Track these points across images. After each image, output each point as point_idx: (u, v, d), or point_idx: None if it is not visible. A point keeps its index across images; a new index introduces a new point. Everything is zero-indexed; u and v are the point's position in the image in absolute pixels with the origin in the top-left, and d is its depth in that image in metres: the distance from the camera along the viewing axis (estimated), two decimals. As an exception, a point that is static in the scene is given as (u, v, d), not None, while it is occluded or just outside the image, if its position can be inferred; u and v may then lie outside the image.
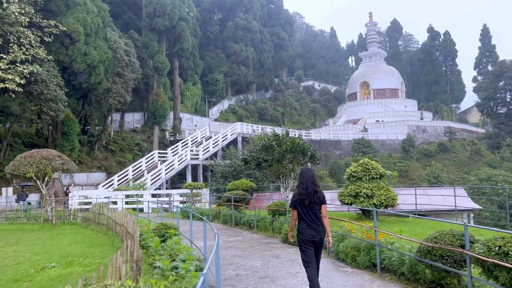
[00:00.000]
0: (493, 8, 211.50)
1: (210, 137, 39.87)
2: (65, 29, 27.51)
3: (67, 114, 30.19)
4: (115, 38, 34.96)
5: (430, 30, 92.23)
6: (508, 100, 62.11)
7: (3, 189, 24.06)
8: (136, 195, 24.17)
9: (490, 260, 4.16)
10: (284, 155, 14.71)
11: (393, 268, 6.23)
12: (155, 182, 30.30)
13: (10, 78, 23.82)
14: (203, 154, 35.32)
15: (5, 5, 24.59)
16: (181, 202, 23.33)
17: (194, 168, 34.95)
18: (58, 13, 28.86)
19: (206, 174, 35.25)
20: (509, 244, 4.15)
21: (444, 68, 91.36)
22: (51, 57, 27.16)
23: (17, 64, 24.53)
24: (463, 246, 4.89)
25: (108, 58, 31.13)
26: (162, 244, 7.36)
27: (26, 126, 33.24)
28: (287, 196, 14.79)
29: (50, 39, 27.28)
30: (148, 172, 31.61)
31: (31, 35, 26.06)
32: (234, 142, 39.13)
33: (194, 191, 21.77)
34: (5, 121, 31.29)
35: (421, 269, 5.61)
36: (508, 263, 3.99)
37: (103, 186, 30.02)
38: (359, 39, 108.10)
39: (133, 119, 45.75)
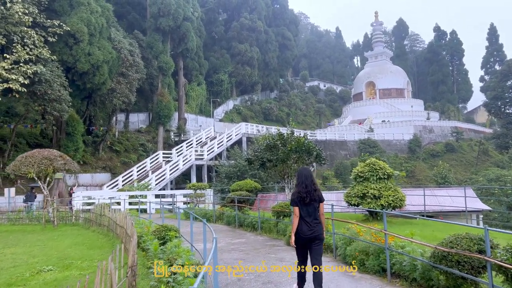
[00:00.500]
0: (500, 7, 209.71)
1: (215, 138, 39.66)
2: (69, 29, 27.39)
3: (71, 114, 30.08)
4: (119, 38, 34.83)
5: (437, 29, 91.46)
6: (516, 99, 61.32)
7: (5, 190, 23.91)
8: (139, 195, 23.96)
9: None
10: (289, 155, 14.37)
11: (404, 273, 5.89)
12: (159, 182, 30.12)
13: (14, 78, 23.70)
14: (207, 155, 35.10)
15: (8, 4, 24.48)
16: (185, 203, 23.07)
17: (199, 168, 34.73)
18: (62, 13, 28.75)
19: (211, 175, 35.02)
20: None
21: (450, 68, 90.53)
22: (55, 57, 27.04)
23: (21, 64, 24.41)
24: (481, 251, 4.56)
25: (112, 58, 30.99)
26: (162, 247, 7.07)
27: (31, 127, 33.18)
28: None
29: (54, 39, 27.16)
30: (152, 173, 31.45)
31: (35, 35, 25.94)
32: (239, 142, 38.90)
33: (198, 191, 21.50)
34: (10, 122, 31.24)
35: (435, 275, 5.27)
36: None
37: (107, 186, 29.89)
38: (365, 39, 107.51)
39: (138, 120, 45.63)
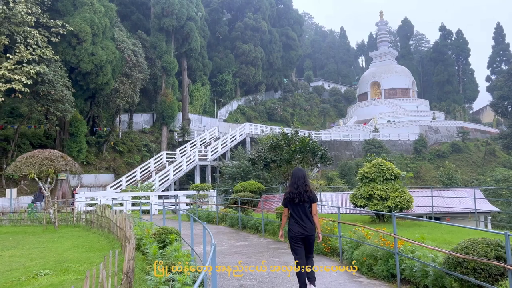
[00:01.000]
0: (506, 6, 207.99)
1: (219, 138, 39.45)
2: (72, 29, 27.26)
3: (75, 114, 29.95)
4: (123, 38, 34.70)
5: (442, 28, 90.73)
6: (524, 99, 60.58)
7: (7, 190, 23.79)
8: (143, 196, 23.78)
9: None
10: (293, 155, 14.09)
11: (415, 279, 5.60)
12: (163, 183, 29.94)
13: (17, 78, 23.59)
14: (211, 155, 34.89)
15: (11, 4, 24.37)
16: (188, 204, 22.83)
17: (203, 169, 34.53)
18: (65, 13, 28.63)
19: (215, 175, 34.79)
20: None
21: (456, 67, 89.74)
22: (58, 57, 26.93)
23: (24, 64, 24.30)
24: (499, 258, 4.26)
25: (115, 58, 30.85)
26: (162, 250, 6.82)
27: (35, 127, 33.12)
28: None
29: (57, 39, 27.05)
30: (156, 173, 31.28)
31: (38, 35, 25.82)
32: (242, 142, 38.67)
33: (201, 192, 21.25)
34: (14, 122, 31.18)
35: (448, 282, 4.97)
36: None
37: (111, 187, 29.76)
38: (369, 38, 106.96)
39: (142, 120, 45.51)
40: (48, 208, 15.73)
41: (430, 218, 16.99)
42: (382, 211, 12.38)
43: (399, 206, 12.53)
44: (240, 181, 23.79)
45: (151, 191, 26.45)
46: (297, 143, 13.99)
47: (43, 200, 22.67)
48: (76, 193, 25.07)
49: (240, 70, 62.44)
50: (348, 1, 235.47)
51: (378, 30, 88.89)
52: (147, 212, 20.41)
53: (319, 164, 16.36)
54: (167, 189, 29.85)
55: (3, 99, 24.10)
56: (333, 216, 10.63)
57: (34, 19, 25.67)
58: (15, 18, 24.67)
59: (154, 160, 34.33)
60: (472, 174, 53.49)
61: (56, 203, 16.17)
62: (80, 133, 31.18)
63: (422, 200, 18.65)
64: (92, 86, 30.01)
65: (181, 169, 31.97)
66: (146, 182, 29.15)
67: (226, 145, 37.17)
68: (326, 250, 8.37)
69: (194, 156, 33.41)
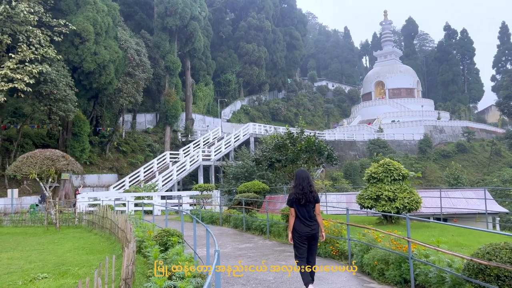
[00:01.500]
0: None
1: (222, 138, 39.21)
2: (75, 28, 27.07)
3: (78, 114, 29.78)
4: (126, 37, 34.51)
5: (447, 28, 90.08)
6: (530, 99, 60.01)
7: (8, 191, 23.62)
8: (146, 197, 23.55)
9: None
10: (298, 155, 13.78)
11: (430, 286, 5.30)
12: (166, 183, 29.73)
13: (19, 77, 23.42)
14: (215, 155, 34.65)
15: (13, 3, 24.20)
16: (191, 205, 22.58)
17: (206, 169, 34.30)
18: (68, 12, 28.46)
19: (218, 175, 34.56)
20: None
21: (461, 67, 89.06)
22: (60, 56, 26.73)
23: (26, 63, 24.12)
24: (524, 264, 3.96)
25: (118, 58, 30.65)
26: (163, 254, 6.55)
27: (38, 127, 32.98)
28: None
29: (59, 39, 26.86)
30: (159, 173, 31.08)
31: (41, 35, 25.63)
32: (246, 142, 38.41)
33: (204, 193, 20.99)
34: (18, 122, 31.06)
35: (467, 289, 4.67)
36: None
37: (114, 187, 29.59)
38: (373, 38, 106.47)
39: (145, 120, 45.34)
40: (49, 208, 15.50)
41: (438, 219, 16.66)
42: (390, 212, 12.08)
43: (407, 207, 12.22)
44: (244, 181, 23.51)
45: (154, 191, 26.24)
46: (303, 142, 13.70)
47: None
48: (78, 193, 24.87)
49: (244, 70, 62.17)
50: (352, 1, 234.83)
51: (382, 30, 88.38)
52: (150, 212, 20.17)
53: (324, 164, 16.04)
54: (170, 190, 29.65)
55: (5, 99, 23.93)
56: (339, 218, 10.33)
57: (36, 18, 25.50)
58: (17, 17, 24.49)
59: (157, 160, 34.15)
60: (478, 174, 53.00)
61: (58, 203, 15.95)
62: (83, 133, 31.00)
63: (429, 201, 18.32)
64: (95, 86, 29.82)
65: (185, 169, 31.75)
66: (150, 182, 28.95)
67: (229, 145, 36.93)
68: (334, 253, 8.08)
69: (197, 156, 33.18)
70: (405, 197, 12.24)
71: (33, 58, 24.63)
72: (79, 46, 28.00)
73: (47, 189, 15.17)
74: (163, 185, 29.15)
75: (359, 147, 54.71)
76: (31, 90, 24.23)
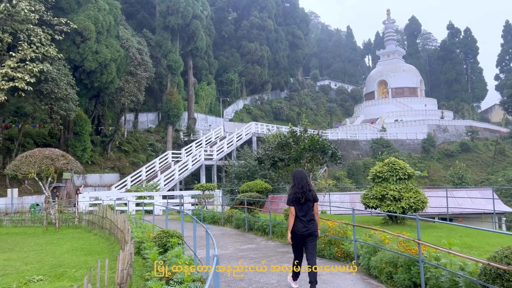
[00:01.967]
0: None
1: (225, 137, 39.01)
2: (76, 26, 26.87)
3: (79, 114, 29.61)
4: (128, 36, 34.31)
5: (450, 27, 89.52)
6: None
7: (8, 190, 23.45)
8: (147, 196, 23.35)
9: None
10: (302, 154, 13.52)
11: (442, 290, 5.04)
12: (168, 183, 29.53)
13: (20, 76, 23.25)
14: (217, 155, 34.45)
15: (14, 2, 24.02)
16: (193, 204, 22.35)
17: (208, 168, 34.09)
18: (69, 10, 28.27)
19: (220, 175, 34.34)
20: None
21: (464, 66, 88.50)
22: (61, 55, 26.56)
23: (27, 62, 23.94)
24: (546, 269, 3.70)
25: (120, 57, 30.45)
26: (162, 256, 6.31)
27: (39, 127, 32.84)
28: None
29: (61, 37, 26.68)
30: (161, 173, 30.87)
31: (42, 33, 25.46)
32: (248, 142, 38.19)
33: (206, 192, 20.75)
34: (19, 122, 30.92)
35: (482, 295, 4.40)
36: None
37: (116, 187, 29.43)
38: (376, 37, 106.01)
39: (147, 119, 45.17)
40: (48, 208, 15.30)
41: (444, 219, 16.39)
42: (396, 212, 11.82)
43: (413, 207, 11.95)
44: (246, 180, 23.28)
45: (156, 191, 26.04)
46: (306, 141, 13.44)
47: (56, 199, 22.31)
48: (80, 193, 24.69)
49: (246, 69, 61.92)
50: (355, 0, 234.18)
51: (385, 29, 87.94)
52: (151, 212, 19.96)
53: (327, 164, 15.78)
54: (172, 189, 29.45)
55: (6, 98, 23.77)
56: (343, 218, 10.07)
57: (37, 17, 25.31)
58: (18, 15, 24.31)
59: (159, 159, 33.97)
60: (482, 173, 52.59)
61: (57, 203, 15.75)
62: (85, 132, 30.83)
63: (434, 201, 18.02)
64: (96, 85, 29.64)
65: (187, 169, 31.55)
66: (151, 182, 28.76)
67: (232, 145, 36.72)
68: (339, 255, 7.82)
69: (199, 156, 32.98)
70: (411, 197, 11.97)
71: (34, 57, 24.46)
72: (80, 44, 27.81)
73: (47, 188, 14.97)
74: (165, 185, 28.96)
75: (362, 146, 54.39)
76: (32, 89, 24.07)
